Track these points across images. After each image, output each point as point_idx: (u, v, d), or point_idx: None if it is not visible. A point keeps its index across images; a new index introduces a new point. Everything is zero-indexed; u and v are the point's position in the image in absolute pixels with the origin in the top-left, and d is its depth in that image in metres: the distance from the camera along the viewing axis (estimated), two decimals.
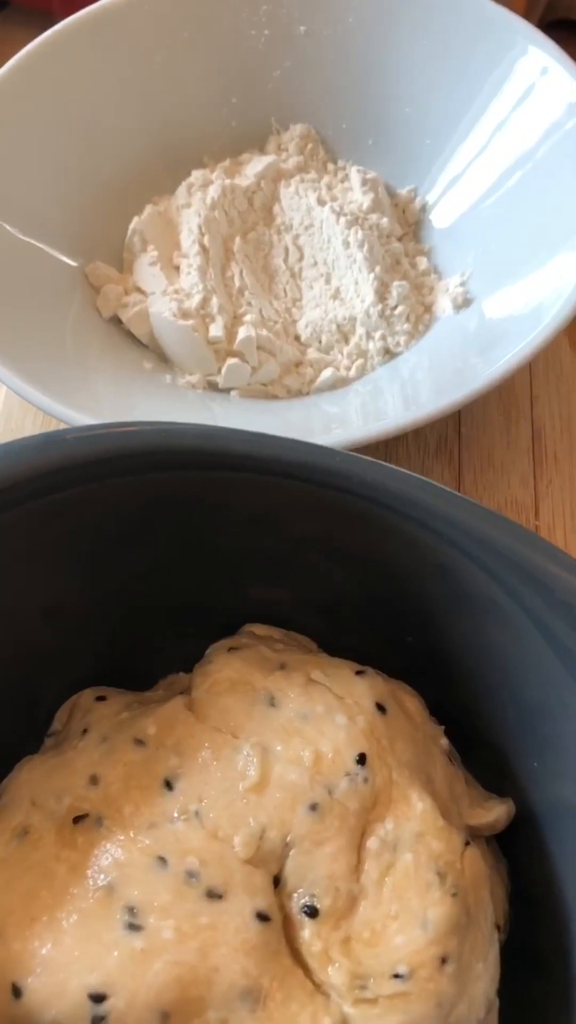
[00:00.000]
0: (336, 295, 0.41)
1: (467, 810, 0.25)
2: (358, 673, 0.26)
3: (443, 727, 0.27)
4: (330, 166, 0.45)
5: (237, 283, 0.40)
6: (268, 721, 0.24)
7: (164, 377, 0.40)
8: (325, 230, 0.41)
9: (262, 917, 0.22)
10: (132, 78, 0.43)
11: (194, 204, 0.42)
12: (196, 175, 0.43)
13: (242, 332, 0.39)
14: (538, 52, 0.39)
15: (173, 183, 0.43)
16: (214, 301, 0.39)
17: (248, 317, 0.39)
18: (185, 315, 0.39)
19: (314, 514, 0.25)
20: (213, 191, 0.41)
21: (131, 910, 0.21)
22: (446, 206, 0.43)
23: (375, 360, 0.40)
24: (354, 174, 0.43)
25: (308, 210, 0.42)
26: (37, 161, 0.40)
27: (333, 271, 0.41)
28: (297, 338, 0.41)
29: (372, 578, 0.27)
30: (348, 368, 0.40)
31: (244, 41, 0.44)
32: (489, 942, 0.23)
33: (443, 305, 0.41)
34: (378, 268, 0.40)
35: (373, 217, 0.42)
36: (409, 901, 0.22)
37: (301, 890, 0.23)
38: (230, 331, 0.39)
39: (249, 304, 0.40)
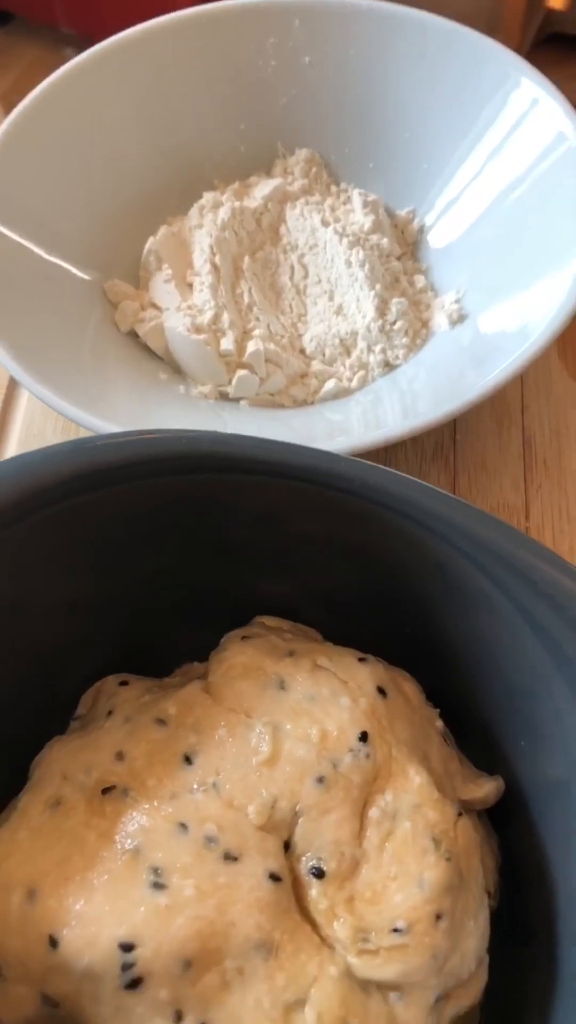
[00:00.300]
0: (339, 311, 0.41)
1: (460, 786, 0.27)
2: (360, 660, 0.27)
3: (438, 710, 0.28)
4: (333, 188, 0.46)
5: (246, 299, 0.41)
6: (278, 703, 0.25)
7: (178, 387, 0.41)
8: (329, 250, 0.42)
9: (274, 877, 0.23)
10: (148, 106, 0.44)
11: (206, 225, 0.42)
12: (207, 197, 0.43)
13: (251, 346, 0.39)
14: (530, 84, 0.40)
15: (186, 205, 0.44)
16: (225, 317, 0.40)
17: (257, 332, 0.40)
18: (198, 330, 0.39)
19: (319, 514, 0.26)
20: (223, 213, 0.42)
21: (156, 871, 0.23)
22: (442, 227, 0.44)
23: (375, 372, 0.40)
24: (356, 196, 0.44)
25: (313, 231, 0.42)
26: (60, 184, 0.41)
27: (336, 288, 0.41)
28: (302, 351, 0.41)
29: (373, 573, 0.28)
30: (350, 379, 0.40)
31: (252, 71, 0.44)
32: (479, 903, 0.25)
33: (439, 321, 0.41)
34: (378, 286, 0.41)
35: (374, 237, 0.42)
36: (407, 864, 0.23)
37: (309, 854, 0.24)
38: (240, 345, 0.40)
39: (258, 319, 0.40)
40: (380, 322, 0.40)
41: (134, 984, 0.22)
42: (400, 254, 0.44)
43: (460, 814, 0.25)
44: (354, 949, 0.23)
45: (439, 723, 0.28)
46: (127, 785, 0.25)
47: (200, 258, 0.41)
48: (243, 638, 0.28)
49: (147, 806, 0.24)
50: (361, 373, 0.40)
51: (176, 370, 0.42)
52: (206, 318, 0.40)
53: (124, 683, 0.29)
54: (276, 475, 0.25)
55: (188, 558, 0.28)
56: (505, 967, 0.26)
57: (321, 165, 0.46)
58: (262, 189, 0.44)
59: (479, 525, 0.24)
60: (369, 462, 0.25)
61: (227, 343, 0.40)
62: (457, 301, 0.41)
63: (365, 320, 0.40)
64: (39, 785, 0.26)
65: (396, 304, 0.41)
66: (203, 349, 0.39)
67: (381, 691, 0.26)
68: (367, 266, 0.41)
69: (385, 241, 0.42)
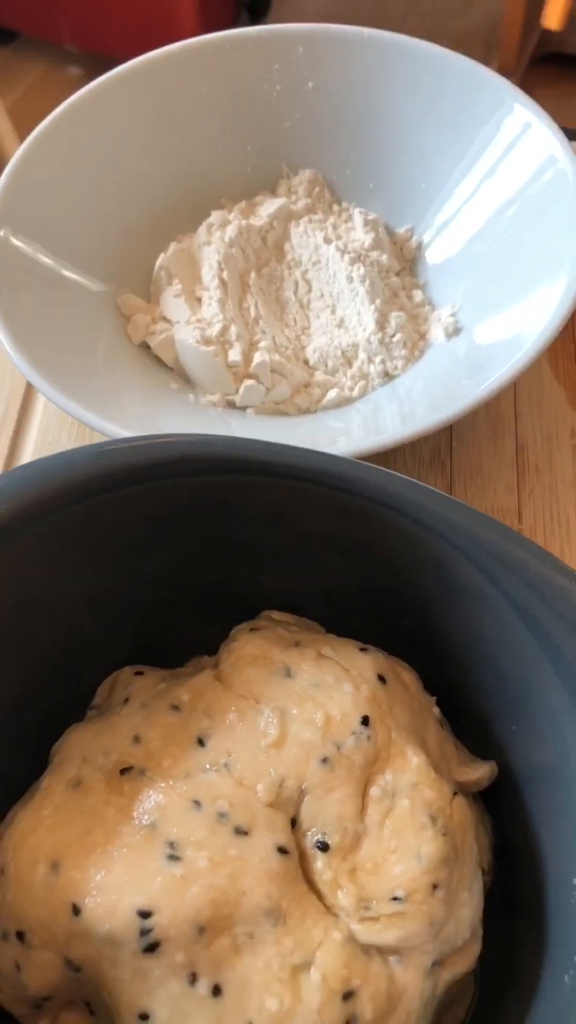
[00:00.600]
0: (341, 324, 0.42)
1: (456, 768, 0.28)
2: (362, 650, 0.28)
3: (435, 698, 0.29)
4: (335, 207, 0.46)
5: (253, 313, 0.41)
6: (285, 689, 0.26)
7: (188, 396, 0.41)
8: (331, 266, 0.42)
9: (282, 851, 0.24)
10: (159, 129, 0.44)
11: (214, 242, 0.43)
12: (215, 216, 0.44)
13: (257, 357, 0.40)
14: (522, 110, 0.41)
15: (195, 223, 0.45)
16: (232, 329, 0.40)
17: (263, 343, 0.40)
18: (207, 342, 0.40)
19: (322, 513, 0.27)
20: (231, 230, 0.42)
21: (171, 844, 0.24)
22: (440, 245, 0.44)
23: (375, 382, 0.41)
24: (357, 215, 0.44)
25: (316, 248, 0.43)
26: (76, 202, 0.42)
27: (338, 302, 0.42)
28: (306, 362, 0.42)
29: (373, 570, 0.28)
30: (351, 389, 0.41)
31: (258, 95, 0.45)
32: (473, 876, 0.26)
33: (436, 333, 0.41)
34: (378, 300, 0.41)
35: (374, 254, 0.42)
36: (406, 839, 0.25)
37: (314, 829, 0.25)
38: (247, 356, 0.40)
39: (263, 332, 0.41)
40: (380, 335, 0.41)
41: (151, 948, 0.23)
42: (399, 270, 0.44)
43: (456, 793, 0.27)
44: (356, 916, 0.24)
45: (435, 710, 0.29)
46: (144, 766, 0.26)
47: (208, 274, 0.42)
48: (251, 630, 0.29)
49: (163, 785, 0.25)
50: (362, 383, 0.41)
51: (186, 380, 0.42)
52: (214, 331, 0.40)
53: (139, 673, 0.30)
54: (282, 476, 0.26)
55: (199, 556, 0.29)
56: (497, 938, 0.27)
57: (324, 185, 0.47)
58: (267, 208, 0.44)
59: (475, 524, 0.25)
60: (370, 464, 0.26)
61: (235, 354, 0.40)
62: (453, 315, 0.42)
63: (366, 333, 0.41)
64: (60, 767, 0.27)
65: (395, 317, 0.41)
66: (212, 360, 0.40)
67: (381, 679, 0.27)
68: (367, 281, 0.41)
69: (385, 258, 0.43)
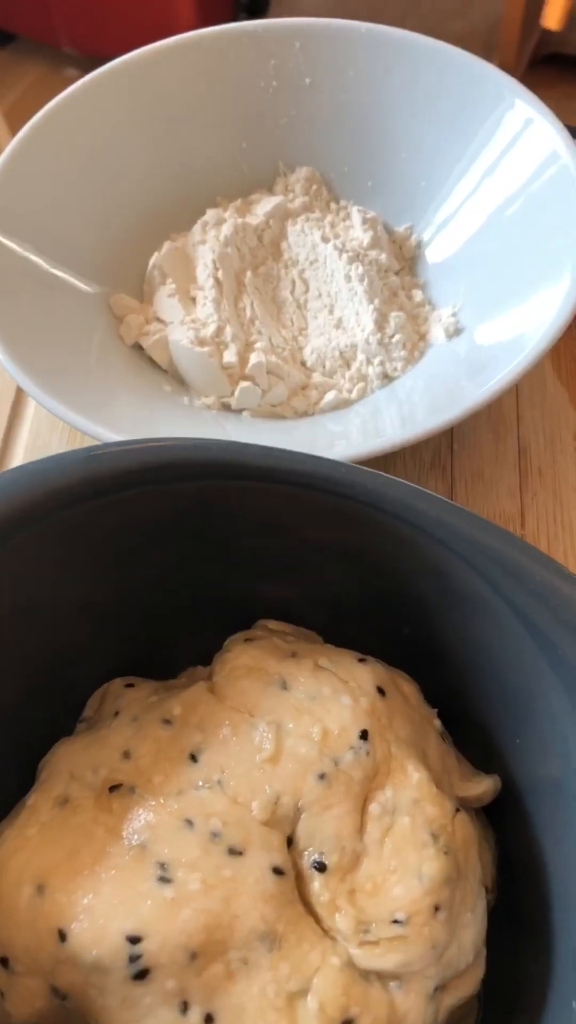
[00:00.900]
0: (339, 324, 0.41)
1: (458, 783, 0.27)
2: (360, 661, 0.27)
3: (436, 710, 0.28)
4: (333, 206, 0.46)
5: (248, 313, 0.41)
6: (281, 702, 0.26)
7: (182, 399, 0.41)
8: (328, 265, 0.42)
9: (277, 871, 0.23)
10: (153, 125, 0.44)
11: (209, 241, 0.42)
12: (210, 214, 0.44)
13: (253, 358, 0.39)
14: (524, 105, 0.40)
15: (189, 221, 0.44)
16: (228, 330, 0.40)
17: (259, 344, 0.40)
18: (201, 343, 0.40)
19: (320, 519, 0.26)
20: (226, 229, 0.42)
21: (162, 865, 0.23)
22: (439, 243, 0.44)
23: (374, 383, 0.41)
24: (355, 213, 0.44)
25: (313, 246, 0.42)
26: (68, 200, 0.42)
27: (336, 302, 0.42)
28: (303, 363, 0.41)
29: (372, 577, 0.28)
30: (350, 391, 0.40)
31: (254, 92, 0.45)
32: (477, 896, 0.25)
33: (436, 334, 0.41)
34: (377, 300, 0.41)
35: (372, 253, 0.42)
36: (406, 858, 0.24)
37: (311, 848, 0.24)
38: (242, 357, 0.40)
39: (260, 333, 0.41)
40: (379, 335, 0.41)
41: (141, 975, 0.22)
42: (398, 269, 0.44)
43: (458, 810, 0.26)
44: (355, 940, 0.23)
45: (437, 722, 0.28)
46: (134, 783, 0.25)
47: (203, 273, 0.42)
48: (246, 640, 0.29)
49: (153, 803, 0.25)
50: (360, 385, 0.41)
51: (180, 382, 0.42)
52: (209, 331, 0.40)
53: (130, 685, 0.29)
54: (279, 481, 0.25)
55: (193, 563, 0.29)
56: (502, 959, 0.26)
57: (321, 183, 0.46)
58: (264, 206, 0.44)
59: (477, 530, 0.24)
60: (368, 468, 0.25)
61: (230, 356, 0.40)
62: (454, 315, 0.42)
63: (364, 333, 0.41)
64: (47, 784, 0.26)
65: (394, 318, 0.41)
66: (206, 361, 0.40)
67: (380, 691, 0.27)
68: (366, 281, 0.41)
69: (384, 256, 0.43)
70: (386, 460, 0.40)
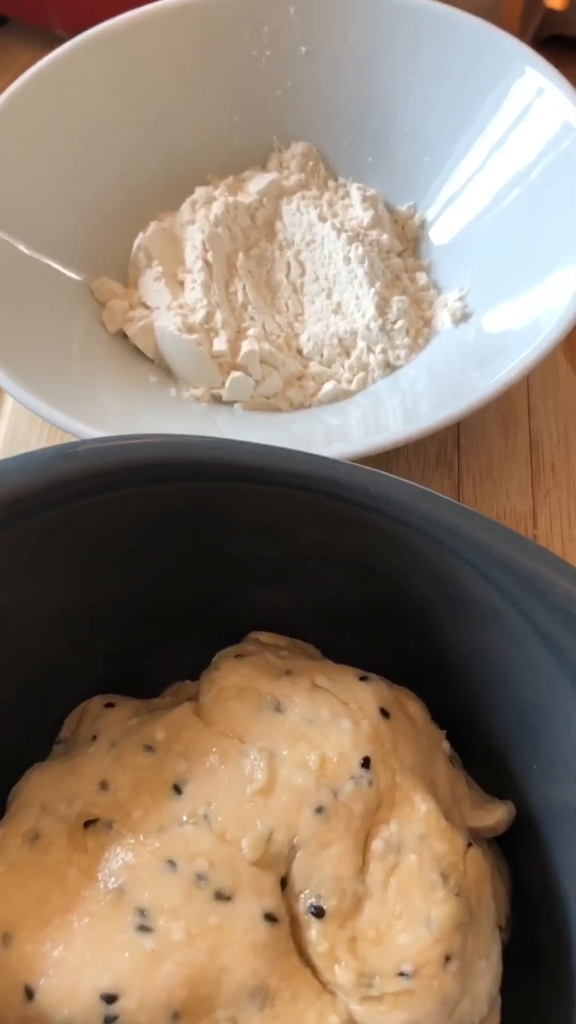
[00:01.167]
0: (337, 309, 0.41)
1: (469, 812, 0.26)
2: (362, 679, 0.26)
3: (445, 731, 0.27)
4: (331, 183, 0.45)
5: (240, 298, 0.40)
6: (274, 726, 0.24)
7: (169, 390, 0.40)
8: (326, 246, 0.41)
9: (270, 918, 0.22)
10: (137, 97, 0.43)
11: (198, 221, 0.42)
12: (200, 192, 0.43)
13: (245, 346, 0.39)
14: (535, 73, 0.39)
15: (177, 200, 0.43)
16: (218, 316, 0.39)
17: (251, 331, 0.39)
18: (190, 329, 0.39)
19: (317, 523, 0.25)
20: (216, 208, 0.41)
21: (141, 912, 0.22)
22: (445, 223, 0.43)
23: (376, 373, 0.40)
24: (354, 191, 0.43)
25: (309, 226, 0.42)
26: (44, 178, 0.41)
27: (334, 286, 0.41)
28: (299, 352, 0.40)
29: (374, 586, 0.27)
30: (349, 381, 0.40)
31: (246, 61, 0.44)
32: (491, 940, 0.24)
33: (442, 319, 0.40)
34: (378, 283, 0.40)
35: (373, 233, 0.41)
36: (413, 901, 0.22)
37: (308, 891, 0.23)
38: (234, 345, 0.39)
39: (252, 319, 0.40)
40: (380, 321, 0.40)
41: None
42: (401, 250, 0.43)
43: (469, 844, 0.24)
44: (357, 995, 0.22)
45: (446, 745, 0.27)
46: (111, 817, 0.24)
47: (192, 255, 0.41)
48: (236, 656, 0.27)
49: (132, 841, 0.23)
50: (361, 374, 0.40)
51: (167, 372, 0.41)
52: (198, 317, 0.39)
53: (110, 705, 0.28)
54: (272, 483, 0.24)
55: (180, 570, 0.28)
56: (517, 1001, 0.25)
57: (318, 159, 0.46)
58: (257, 184, 0.43)
59: (486, 534, 0.23)
60: (369, 468, 0.24)
61: (220, 343, 0.39)
62: (460, 299, 0.41)
63: (365, 319, 0.40)
64: (17, 817, 0.25)
65: (397, 302, 0.40)
66: (195, 350, 0.39)
67: (384, 712, 0.25)
68: (366, 263, 0.40)
69: (385, 237, 0.42)
70: (388, 456, 0.40)
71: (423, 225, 0.44)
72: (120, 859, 0.23)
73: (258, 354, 0.39)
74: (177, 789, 0.24)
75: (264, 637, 0.29)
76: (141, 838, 0.23)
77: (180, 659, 0.29)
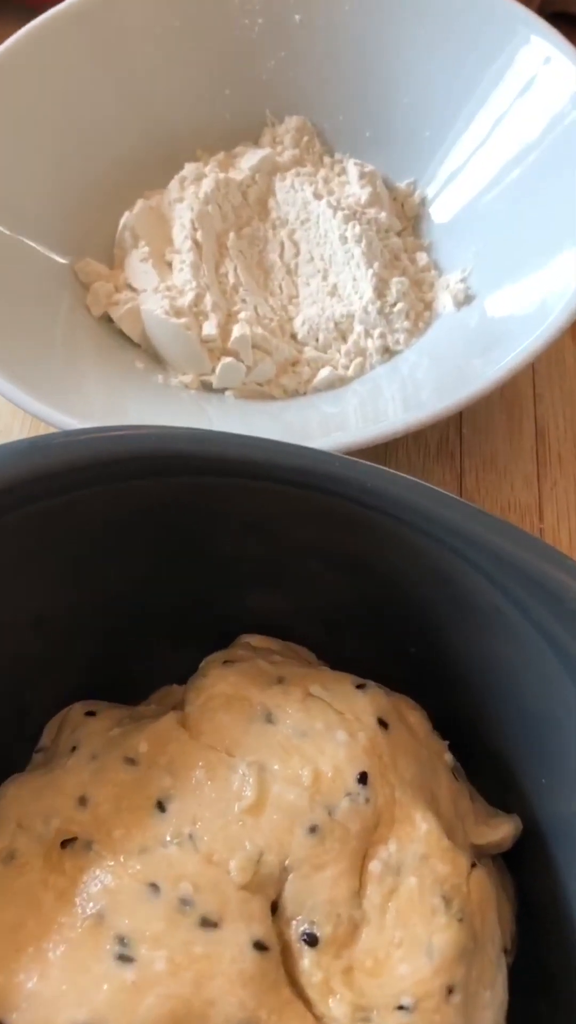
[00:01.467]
0: (333, 292, 0.40)
1: (472, 828, 0.25)
2: (359, 687, 0.25)
3: (447, 742, 0.26)
4: (327, 159, 0.45)
5: (231, 280, 0.40)
6: (265, 738, 0.24)
7: (156, 377, 0.39)
8: (322, 225, 0.41)
9: (259, 946, 0.21)
10: (122, 69, 0.42)
11: (187, 198, 0.41)
12: (189, 169, 0.42)
13: (236, 330, 0.38)
14: (540, 41, 0.39)
15: (165, 177, 0.43)
16: (207, 298, 0.39)
17: (243, 315, 0.39)
18: (178, 313, 0.38)
19: (312, 520, 0.24)
20: (206, 185, 0.41)
21: (122, 940, 0.21)
22: (446, 200, 0.43)
23: (374, 359, 0.40)
24: (351, 167, 0.43)
25: (304, 204, 0.42)
26: (24, 155, 0.40)
27: (330, 267, 0.41)
28: (293, 336, 0.40)
29: (373, 586, 0.26)
30: (346, 367, 0.40)
31: (237, 30, 0.43)
32: (497, 967, 0.23)
33: (444, 302, 0.40)
34: (376, 264, 0.40)
35: (371, 211, 0.41)
36: (413, 927, 0.22)
37: (300, 917, 0.22)
38: (224, 329, 0.39)
39: (244, 301, 0.40)
40: (379, 304, 0.40)
41: None
42: (400, 229, 0.43)
43: (473, 864, 0.23)
44: None
45: (448, 756, 0.26)
46: (90, 836, 0.23)
47: (180, 234, 0.40)
48: (225, 662, 0.26)
49: (112, 862, 0.22)
50: (358, 360, 0.40)
51: (154, 358, 0.40)
52: (187, 300, 0.39)
53: (91, 713, 0.27)
54: (264, 478, 0.23)
55: (167, 569, 0.27)
56: (523, 1022, 0.24)
57: (313, 134, 0.45)
58: (249, 160, 0.43)
59: (490, 532, 0.22)
60: (367, 462, 0.23)
61: (210, 327, 0.38)
62: (463, 280, 0.41)
63: (362, 301, 0.40)
64: None
65: (396, 284, 0.40)
66: (183, 334, 0.38)
67: (382, 723, 0.24)
68: (364, 242, 0.40)
69: (383, 215, 0.42)
70: (387, 446, 0.39)
71: (423, 203, 0.44)
72: (99, 882, 0.22)
73: (250, 339, 0.38)
74: (161, 806, 0.23)
75: (255, 640, 0.28)
76: (122, 859, 0.22)
77: (168, 662, 0.29)
